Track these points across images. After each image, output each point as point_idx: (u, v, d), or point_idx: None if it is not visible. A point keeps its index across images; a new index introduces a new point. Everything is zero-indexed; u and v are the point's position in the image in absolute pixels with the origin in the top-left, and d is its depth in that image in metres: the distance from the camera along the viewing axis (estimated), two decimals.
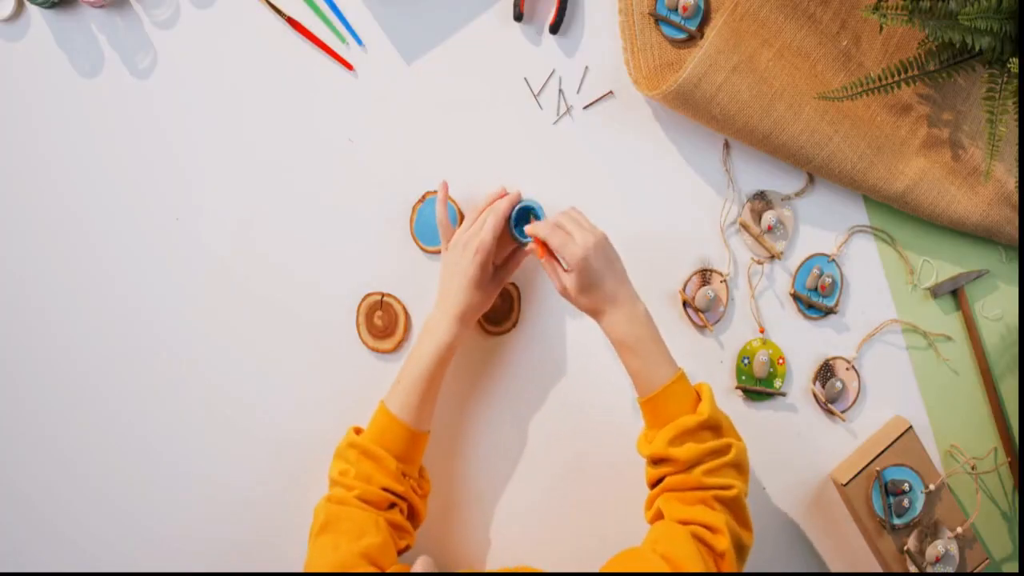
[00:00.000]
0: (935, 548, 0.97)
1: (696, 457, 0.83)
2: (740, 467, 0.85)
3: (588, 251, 0.85)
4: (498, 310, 1.01)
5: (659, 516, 0.84)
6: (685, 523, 0.81)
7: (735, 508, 0.83)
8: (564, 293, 0.90)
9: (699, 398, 0.86)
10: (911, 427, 0.98)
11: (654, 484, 0.87)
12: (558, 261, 0.90)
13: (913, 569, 0.97)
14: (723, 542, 0.79)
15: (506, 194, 0.96)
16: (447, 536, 1.03)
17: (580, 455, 1.03)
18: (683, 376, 0.87)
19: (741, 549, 0.82)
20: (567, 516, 1.03)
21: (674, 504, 0.83)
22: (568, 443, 1.03)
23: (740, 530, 0.82)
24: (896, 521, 0.98)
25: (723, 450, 0.84)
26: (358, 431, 0.93)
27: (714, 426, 0.84)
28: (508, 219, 0.95)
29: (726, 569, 0.79)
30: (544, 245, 0.90)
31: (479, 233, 0.92)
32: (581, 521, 1.03)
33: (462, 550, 1.03)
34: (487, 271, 0.93)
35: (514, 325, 1.01)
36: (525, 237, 0.96)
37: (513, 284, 1.01)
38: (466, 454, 1.03)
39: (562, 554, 1.03)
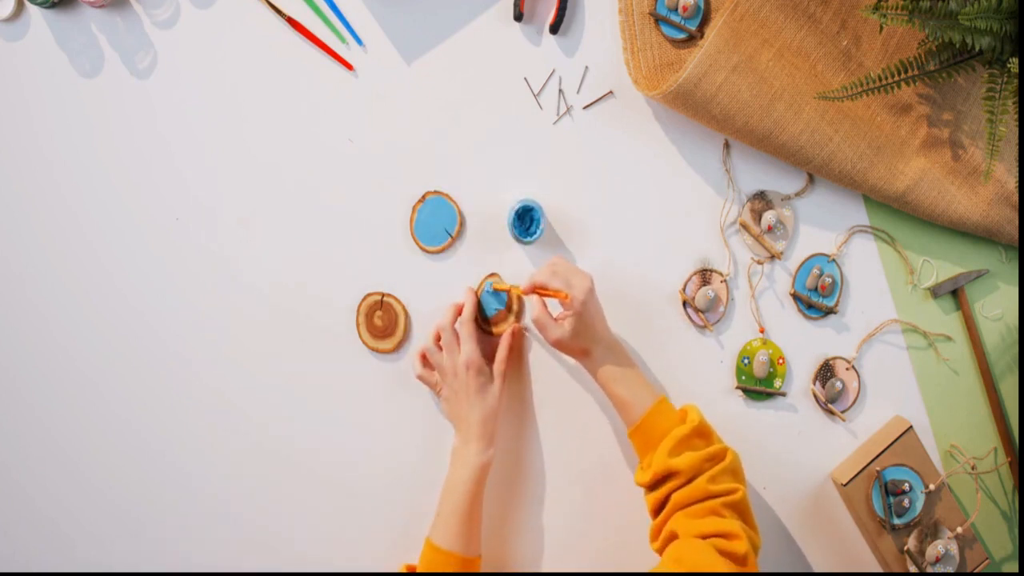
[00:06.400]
0: (935, 548, 0.97)
1: (696, 464, 0.85)
2: (736, 472, 0.88)
3: (588, 296, 0.89)
4: (498, 311, 1.01)
5: (670, 539, 0.85)
6: (702, 537, 0.81)
7: (743, 511, 0.85)
8: (558, 343, 0.92)
9: (686, 413, 0.90)
10: (911, 427, 0.98)
11: (659, 508, 0.88)
12: (548, 311, 0.92)
13: (913, 569, 0.97)
14: (743, 545, 0.80)
15: (462, 303, 0.98)
16: None
17: (584, 452, 1.03)
18: (666, 399, 0.92)
19: (755, 550, 0.83)
20: (577, 516, 1.03)
21: (686, 521, 0.84)
22: (572, 441, 1.03)
23: (751, 532, 0.84)
24: (896, 521, 0.98)
25: (719, 455, 0.87)
26: (410, 570, 0.95)
27: (704, 434, 0.89)
28: (512, 223, 0.96)
29: (751, 570, 0.81)
30: (538, 295, 0.92)
31: (462, 350, 0.95)
32: (587, 520, 1.03)
33: None
34: (485, 376, 0.96)
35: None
36: (526, 236, 0.97)
37: (513, 285, 1.01)
38: None
39: (562, 553, 1.04)
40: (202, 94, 1.00)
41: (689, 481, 0.85)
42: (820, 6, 0.96)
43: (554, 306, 0.97)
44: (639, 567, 1.02)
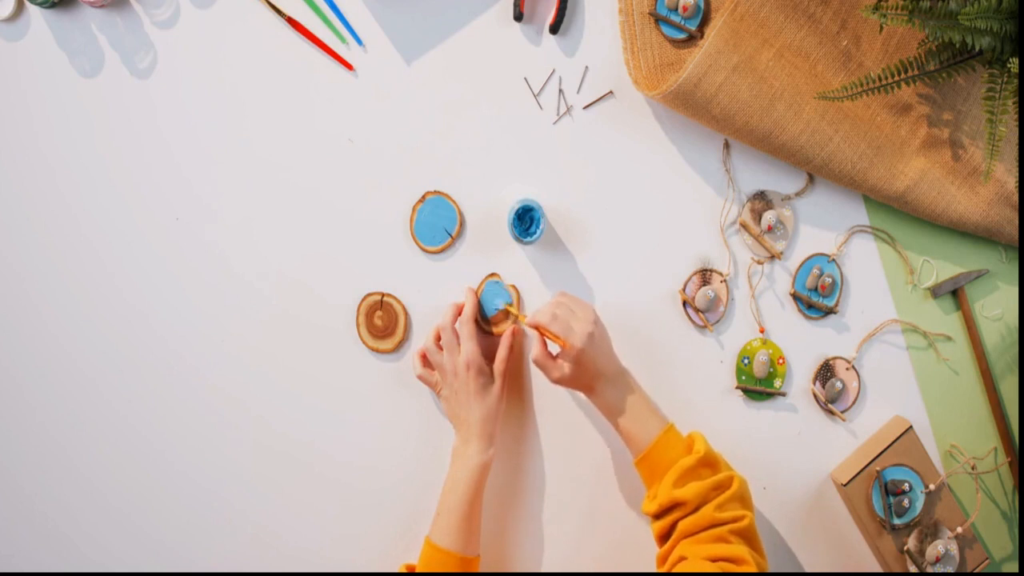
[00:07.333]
0: (935, 548, 0.97)
1: (702, 494, 0.85)
2: (744, 499, 0.88)
3: (585, 342, 0.89)
4: (498, 311, 1.01)
5: (678, 563, 0.84)
6: (710, 561, 0.81)
7: (750, 538, 0.85)
8: (558, 382, 0.92)
9: (692, 442, 0.90)
10: (911, 427, 0.98)
11: (665, 536, 0.87)
12: (548, 351, 0.92)
13: (913, 569, 0.97)
14: (750, 571, 0.80)
15: (462, 303, 0.98)
16: None
17: (585, 451, 1.03)
18: (673, 427, 0.91)
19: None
20: (577, 516, 1.03)
21: (693, 547, 0.84)
22: (573, 441, 1.03)
23: (759, 558, 0.84)
24: (896, 521, 0.98)
25: (725, 484, 0.87)
26: (410, 570, 0.95)
27: (711, 463, 0.88)
28: (512, 223, 0.96)
29: None
30: (539, 333, 0.92)
31: (462, 350, 0.95)
32: (590, 522, 1.03)
33: None
34: (485, 376, 0.96)
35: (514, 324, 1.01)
36: (526, 236, 0.97)
37: (513, 286, 1.01)
38: None
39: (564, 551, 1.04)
40: (202, 94, 1.00)
41: (695, 510, 0.85)
42: (820, 6, 0.96)
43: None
44: (640, 567, 1.02)
